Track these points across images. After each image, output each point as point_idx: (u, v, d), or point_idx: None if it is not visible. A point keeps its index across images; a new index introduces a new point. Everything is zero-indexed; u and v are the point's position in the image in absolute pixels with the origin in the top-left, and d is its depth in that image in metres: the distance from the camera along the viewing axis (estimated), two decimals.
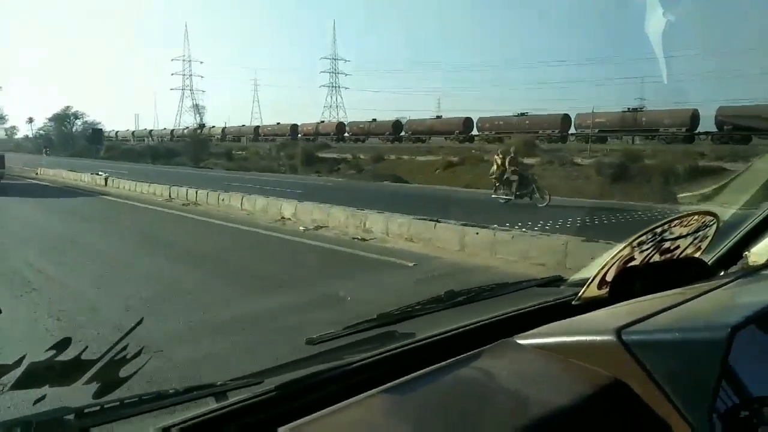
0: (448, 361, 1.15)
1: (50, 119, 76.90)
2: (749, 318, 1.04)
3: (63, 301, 5.60)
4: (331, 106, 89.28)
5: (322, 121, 66.03)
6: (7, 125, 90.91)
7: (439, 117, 50.75)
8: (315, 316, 4.50)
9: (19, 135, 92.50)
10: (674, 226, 1.53)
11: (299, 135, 58.50)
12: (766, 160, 2.10)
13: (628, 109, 38.13)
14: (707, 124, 33.70)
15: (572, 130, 40.59)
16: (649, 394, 1.03)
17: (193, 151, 47.11)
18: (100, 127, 65.79)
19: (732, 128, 31.51)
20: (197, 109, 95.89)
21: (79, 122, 74.83)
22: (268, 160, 40.06)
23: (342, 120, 68.84)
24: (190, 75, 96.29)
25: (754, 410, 1.07)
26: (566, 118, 40.84)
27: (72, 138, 69.81)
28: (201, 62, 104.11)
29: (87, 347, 0.78)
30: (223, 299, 5.89)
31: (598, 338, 1.11)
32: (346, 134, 57.35)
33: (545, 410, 0.99)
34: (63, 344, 0.75)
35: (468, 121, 47.08)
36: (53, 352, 0.75)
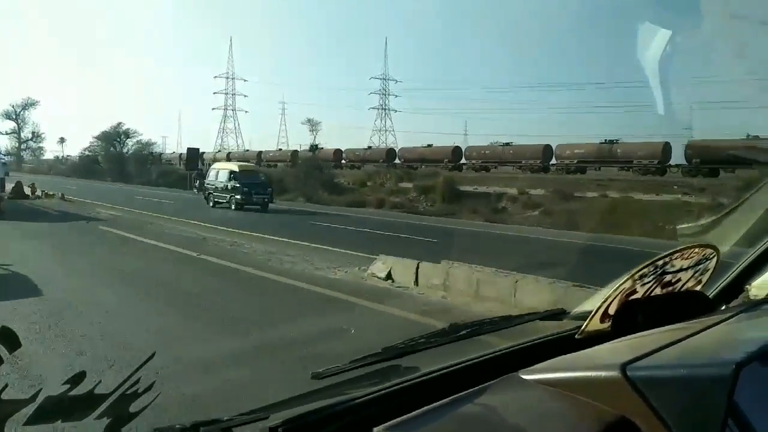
0: (454, 396, 1.15)
1: (97, 138, 67.10)
2: (753, 354, 1.05)
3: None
4: (380, 130, 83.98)
5: (370, 147, 62.07)
6: (44, 144, 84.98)
7: (429, 146, 51.07)
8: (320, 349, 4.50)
9: (48, 155, 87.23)
10: (675, 258, 1.55)
11: (343, 161, 55.49)
12: (763, 193, 2.12)
13: (605, 140, 38.97)
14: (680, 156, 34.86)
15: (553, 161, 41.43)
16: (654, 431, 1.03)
17: (304, 182, 37.32)
18: (195, 147, 49.66)
19: (699, 162, 32.44)
20: (237, 129, 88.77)
21: (130, 142, 64.83)
22: (382, 193, 32.75)
23: (392, 146, 66.13)
24: (233, 94, 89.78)
25: None
26: (548, 148, 41.65)
27: (122, 159, 60.89)
28: (245, 80, 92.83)
29: (101, 381, 0.79)
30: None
31: (603, 374, 1.11)
32: (396, 161, 52.59)
33: None
34: (78, 378, 0.76)
35: (457, 150, 47.86)
36: (68, 386, 0.75)
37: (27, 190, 26.39)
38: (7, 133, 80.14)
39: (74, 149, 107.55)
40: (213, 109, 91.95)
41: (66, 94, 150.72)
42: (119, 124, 65.55)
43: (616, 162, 37.31)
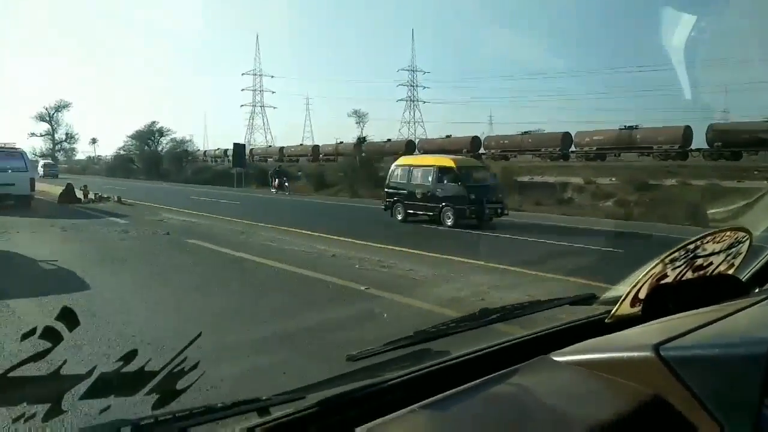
0: (486, 377, 1.17)
1: (132, 137, 66.00)
2: None
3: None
4: (408, 122, 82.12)
5: (389, 140, 58.38)
6: (77, 144, 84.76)
7: (448, 136, 50.53)
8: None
9: (79, 156, 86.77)
10: (707, 242, 1.53)
11: (363, 154, 53.03)
12: None
13: (624, 126, 38.43)
14: (701, 140, 34.29)
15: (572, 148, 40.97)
16: (690, 411, 1.03)
17: (351, 176, 33.83)
18: (241, 143, 47.96)
19: (722, 145, 31.86)
20: (266, 125, 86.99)
21: (164, 140, 63.08)
22: None
23: (417, 137, 64.39)
24: (261, 90, 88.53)
25: None
26: (567, 135, 41.15)
27: (157, 158, 59.23)
28: (272, 76, 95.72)
29: (150, 359, 0.82)
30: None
31: (636, 354, 1.12)
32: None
33: (586, 426, 0.99)
34: (129, 356, 0.80)
35: (475, 140, 47.26)
36: (120, 363, 0.79)
37: (79, 193, 22.95)
38: (41, 135, 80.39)
39: (105, 150, 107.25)
40: (242, 106, 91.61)
41: (96, 95, 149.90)
42: (153, 122, 64.71)
43: (636, 148, 36.78)
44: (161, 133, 63.49)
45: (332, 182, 35.71)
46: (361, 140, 55.93)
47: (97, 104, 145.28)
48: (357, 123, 74.97)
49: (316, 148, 59.52)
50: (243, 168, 41.03)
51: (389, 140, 55.01)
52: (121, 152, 68.24)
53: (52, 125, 79.75)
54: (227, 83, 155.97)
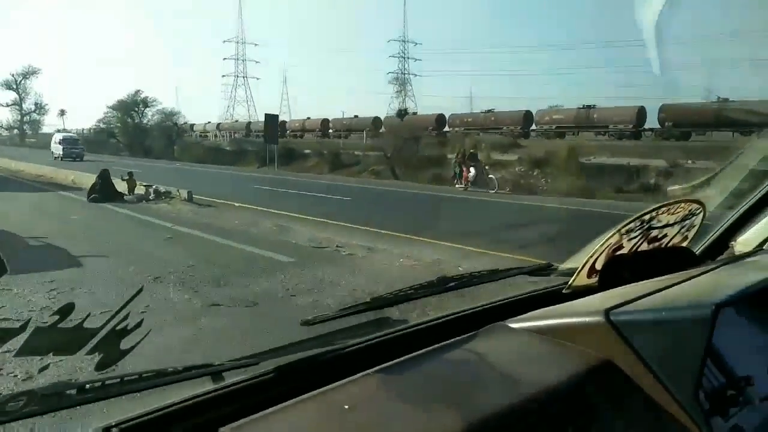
0: (441, 344, 1.18)
1: (113, 107, 56.10)
2: (733, 297, 1.07)
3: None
4: (398, 96, 72.95)
5: (356, 116, 54.46)
6: (48, 116, 75.66)
7: (414, 113, 49.96)
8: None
9: (46, 129, 73.91)
10: (661, 213, 1.56)
11: (330, 131, 50.69)
12: (748, 156, 2.16)
13: (583, 106, 39.22)
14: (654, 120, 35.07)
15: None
16: (637, 373, 1.06)
17: (396, 156, 28.65)
18: (273, 113, 37.99)
19: (672, 125, 32.74)
20: (250, 99, 78.49)
21: (149, 111, 54.52)
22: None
23: (413, 112, 57.98)
24: (244, 60, 79.38)
25: (740, 389, 1.10)
26: (528, 114, 41.83)
27: (141, 132, 51.32)
28: (255, 45, 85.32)
29: (89, 314, 0.79)
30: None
31: (588, 320, 1.14)
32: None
33: (537, 389, 1.01)
34: (66, 311, 0.76)
35: (440, 118, 47.05)
36: (56, 317, 0.76)
37: (120, 185, 15.35)
38: (7, 105, 71.13)
39: (74, 123, 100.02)
40: (223, 76, 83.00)
41: (63, 62, 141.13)
42: (137, 91, 55.81)
43: (593, 127, 37.66)
44: (146, 103, 55.13)
45: (350, 161, 31.99)
46: (403, 112, 51.36)
47: (64, 72, 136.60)
48: (397, 92, 65.92)
49: (325, 122, 54.21)
50: (276, 144, 34.24)
51: (356, 116, 52.84)
52: (101, 125, 58.96)
53: (19, 94, 71.33)
54: (201, 52, 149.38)
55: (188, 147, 47.73)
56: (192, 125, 63.25)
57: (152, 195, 15.21)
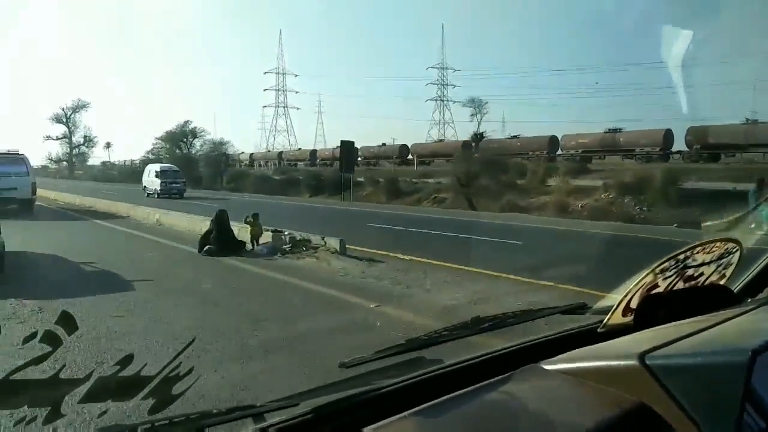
0: (476, 386, 1.19)
1: (161, 138, 57.40)
2: None
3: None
4: (439, 123, 76.61)
5: (384, 144, 56.34)
6: (97, 149, 76.65)
7: (441, 140, 51.41)
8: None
9: (93, 161, 77.73)
10: (697, 252, 1.55)
11: (410, 157, 50.72)
12: None
13: (609, 129, 39.37)
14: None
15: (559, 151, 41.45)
16: (673, 418, 1.05)
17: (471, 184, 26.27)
18: (349, 140, 35.15)
19: (700, 147, 32.56)
20: (290, 127, 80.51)
21: (198, 142, 55.55)
22: (558, 194, 23.32)
23: (452, 138, 61.32)
24: (285, 90, 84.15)
25: None
26: (554, 138, 41.96)
27: (191, 162, 50.16)
28: (296, 75, 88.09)
29: (146, 364, 0.85)
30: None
31: (623, 363, 1.14)
32: (410, 157, 49.47)
33: None
34: (126, 361, 0.82)
35: (467, 144, 47.04)
36: (117, 368, 0.82)
37: (242, 232, 11.82)
38: (57, 138, 73.20)
39: (118, 155, 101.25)
40: (264, 107, 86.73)
41: (109, 97, 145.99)
42: (186, 122, 57.02)
43: (619, 151, 37.59)
44: (194, 134, 55.99)
45: (408, 190, 30.87)
46: (479, 137, 48.42)
47: (109, 107, 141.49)
48: (473, 115, 61.74)
49: (313, 152, 55.66)
50: (352, 173, 32.37)
51: (384, 144, 53.78)
52: (150, 156, 57.88)
53: (69, 127, 73.42)
54: (240, 83, 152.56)
55: (239, 177, 46.74)
56: (240, 154, 63.69)
57: (288, 245, 11.11)
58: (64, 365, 0.77)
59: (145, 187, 33.49)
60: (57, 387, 0.76)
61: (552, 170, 28.11)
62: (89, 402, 0.79)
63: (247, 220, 11.82)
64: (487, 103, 61.66)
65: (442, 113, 77.48)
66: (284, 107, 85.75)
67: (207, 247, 10.90)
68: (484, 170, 27.66)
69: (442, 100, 77.22)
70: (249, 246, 11.46)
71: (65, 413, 0.76)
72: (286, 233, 11.60)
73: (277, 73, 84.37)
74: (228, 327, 5.72)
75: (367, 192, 31.97)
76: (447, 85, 76.93)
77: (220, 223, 11.33)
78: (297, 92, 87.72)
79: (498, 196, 24.87)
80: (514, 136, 45.53)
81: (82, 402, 0.79)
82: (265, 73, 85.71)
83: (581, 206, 22.06)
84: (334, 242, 10.85)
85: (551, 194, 24.01)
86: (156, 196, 30.75)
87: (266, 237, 11.63)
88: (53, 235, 13.77)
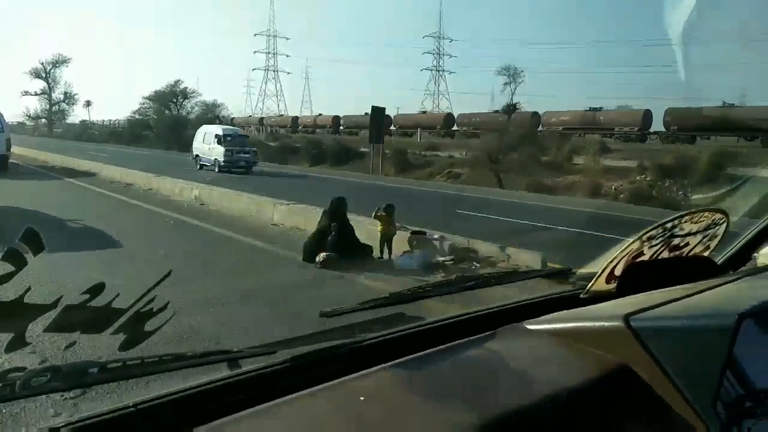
0: (457, 342, 1.18)
1: (149, 98, 53.28)
2: (756, 308, 1.06)
3: None
4: (433, 94, 74.14)
5: (424, 111, 55.13)
6: (80, 105, 71.03)
7: (424, 112, 50.84)
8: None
9: (72, 119, 72.63)
10: (684, 222, 1.55)
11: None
12: None
13: (589, 108, 39.90)
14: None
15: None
16: (655, 380, 1.05)
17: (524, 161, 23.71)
18: (380, 106, 28.85)
19: (677, 129, 33.22)
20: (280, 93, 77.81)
21: (188, 103, 51.40)
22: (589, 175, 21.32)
23: (446, 110, 59.27)
24: (275, 53, 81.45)
25: (759, 401, 1.08)
26: (535, 115, 42.26)
27: (181, 123, 46.11)
28: (287, 38, 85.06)
29: (118, 295, 0.81)
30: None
31: (607, 324, 1.13)
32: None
33: (552, 390, 1.01)
34: (96, 290, 0.78)
35: (449, 117, 47.80)
36: (87, 296, 0.77)
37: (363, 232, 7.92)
38: (36, 94, 68.91)
39: (99, 114, 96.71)
40: (253, 69, 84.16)
41: (89, 51, 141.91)
42: (177, 82, 52.62)
43: (598, 129, 37.82)
44: (185, 94, 51.56)
45: (416, 162, 28.27)
46: (511, 108, 45.01)
47: (89, 63, 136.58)
48: (506, 84, 53.75)
49: (336, 118, 52.42)
50: (382, 143, 27.98)
51: (366, 113, 53.37)
52: (136, 116, 54.86)
53: (48, 83, 69.14)
54: (228, 45, 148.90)
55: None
56: (232, 119, 59.47)
57: (448, 257, 7.51)
58: (29, 288, 0.72)
59: (197, 156, 24.70)
60: (21, 311, 0.72)
61: (578, 148, 26.32)
62: (56, 331, 0.75)
63: (378, 213, 7.71)
64: (522, 71, 54.34)
65: (437, 84, 75.89)
66: (274, 71, 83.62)
67: (323, 255, 7.06)
68: (519, 146, 24.96)
69: (438, 70, 75.63)
70: (377, 253, 7.64)
71: (30, 341, 0.72)
72: (436, 236, 7.87)
73: (268, 36, 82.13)
74: None
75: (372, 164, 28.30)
76: (443, 54, 75.40)
77: (341, 217, 7.59)
78: (288, 56, 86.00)
79: (527, 174, 22.51)
80: (497, 111, 45.48)
81: (48, 331, 0.75)
82: (255, 35, 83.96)
83: (614, 188, 20.18)
84: (527, 257, 6.80)
85: (578, 174, 22.10)
86: (216, 169, 22.45)
87: (399, 239, 7.77)
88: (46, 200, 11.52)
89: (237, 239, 8.70)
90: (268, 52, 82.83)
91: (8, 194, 11.82)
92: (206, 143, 24.29)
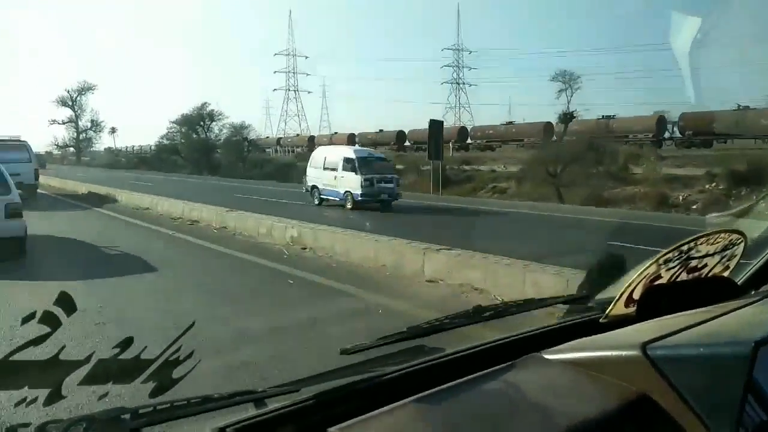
0: (476, 374, 1.19)
1: (176, 122, 52.65)
2: None
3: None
4: (454, 107, 74.14)
5: (381, 130, 55.17)
6: (105, 132, 70.51)
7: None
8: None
9: (98, 147, 72.75)
10: (701, 243, 1.54)
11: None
12: None
13: (602, 116, 39.58)
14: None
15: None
16: (675, 408, 1.05)
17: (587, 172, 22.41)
18: (438, 119, 29.18)
19: (692, 133, 33.11)
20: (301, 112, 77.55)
21: (216, 126, 50.64)
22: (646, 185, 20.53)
23: (467, 122, 59.97)
24: (295, 73, 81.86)
25: None
26: (548, 125, 42.17)
27: (209, 147, 47.58)
28: (306, 57, 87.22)
29: (146, 347, 0.85)
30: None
31: (624, 353, 1.14)
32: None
33: (572, 423, 1.01)
34: (126, 344, 0.82)
35: (462, 130, 48.14)
36: (117, 350, 0.82)
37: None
38: (63, 123, 68.67)
39: (124, 141, 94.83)
40: (274, 90, 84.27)
41: (114, 79, 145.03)
42: (204, 104, 51.36)
43: (612, 137, 36.77)
44: (212, 117, 50.50)
45: (456, 179, 26.62)
46: (568, 116, 42.37)
47: (113, 90, 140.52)
48: (560, 91, 47.69)
49: (351, 137, 52.19)
50: (441, 160, 25.76)
51: (381, 130, 53.28)
52: (164, 141, 54.41)
53: (75, 111, 68.73)
54: (247, 65, 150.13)
55: (262, 164, 42.91)
56: (279, 139, 61.18)
57: None
58: (64, 346, 0.77)
59: (313, 188, 19.61)
60: (57, 368, 0.77)
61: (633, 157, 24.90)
62: (90, 384, 0.80)
63: None
64: (579, 77, 48.74)
65: (457, 96, 75.16)
66: (295, 91, 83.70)
67: None
68: (580, 157, 23.01)
69: (458, 83, 74.96)
70: None
71: (66, 395, 0.76)
72: None
73: (287, 55, 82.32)
74: None
75: (410, 180, 26.16)
76: (463, 67, 74.60)
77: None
78: (308, 74, 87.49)
79: (588, 186, 21.09)
80: (509, 123, 46.09)
81: (83, 384, 0.79)
82: (275, 54, 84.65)
83: (682, 198, 19.11)
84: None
85: (638, 184, 20.91)
86: (348, 205, 17.89)
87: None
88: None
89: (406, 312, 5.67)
90: (287, 72, 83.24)
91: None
92: (329, 170, 18.86)
